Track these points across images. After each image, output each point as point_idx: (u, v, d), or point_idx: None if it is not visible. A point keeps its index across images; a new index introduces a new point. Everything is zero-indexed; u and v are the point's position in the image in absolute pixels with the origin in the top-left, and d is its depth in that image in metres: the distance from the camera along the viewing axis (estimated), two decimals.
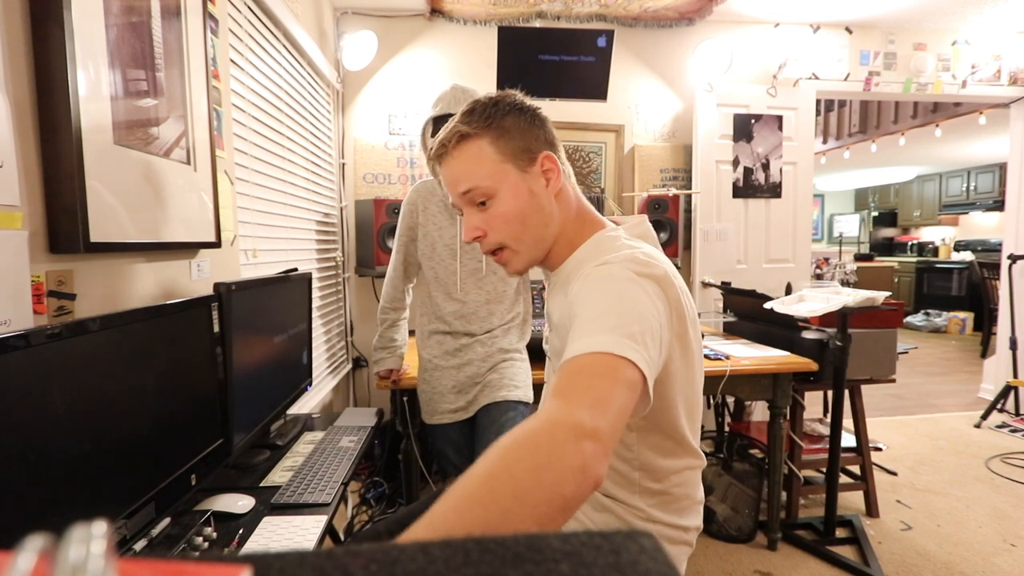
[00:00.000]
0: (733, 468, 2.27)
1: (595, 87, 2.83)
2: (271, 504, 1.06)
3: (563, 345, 0.66)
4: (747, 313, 2.50)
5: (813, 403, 3.25)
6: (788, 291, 2.53)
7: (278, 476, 1.20)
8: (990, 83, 3.33)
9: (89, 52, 0.86)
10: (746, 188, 3.08)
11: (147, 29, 1.05)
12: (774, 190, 3.11)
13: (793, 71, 3.12)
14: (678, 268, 2.83)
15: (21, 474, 0.63)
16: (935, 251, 7.79)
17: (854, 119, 5.17)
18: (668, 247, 2.76)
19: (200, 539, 0.92)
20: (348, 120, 2.86)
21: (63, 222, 0.82)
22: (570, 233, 0.84)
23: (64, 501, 0.69)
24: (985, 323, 5.21)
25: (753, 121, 3.05)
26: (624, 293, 0.66)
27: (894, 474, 2.65)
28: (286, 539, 0.95)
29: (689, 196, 3.03)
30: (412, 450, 1.86)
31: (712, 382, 1.91)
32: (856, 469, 2.32)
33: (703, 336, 2.37)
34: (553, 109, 2.95)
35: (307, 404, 1.98)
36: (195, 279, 1.26)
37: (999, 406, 3.40)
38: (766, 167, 3.09)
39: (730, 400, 2.81)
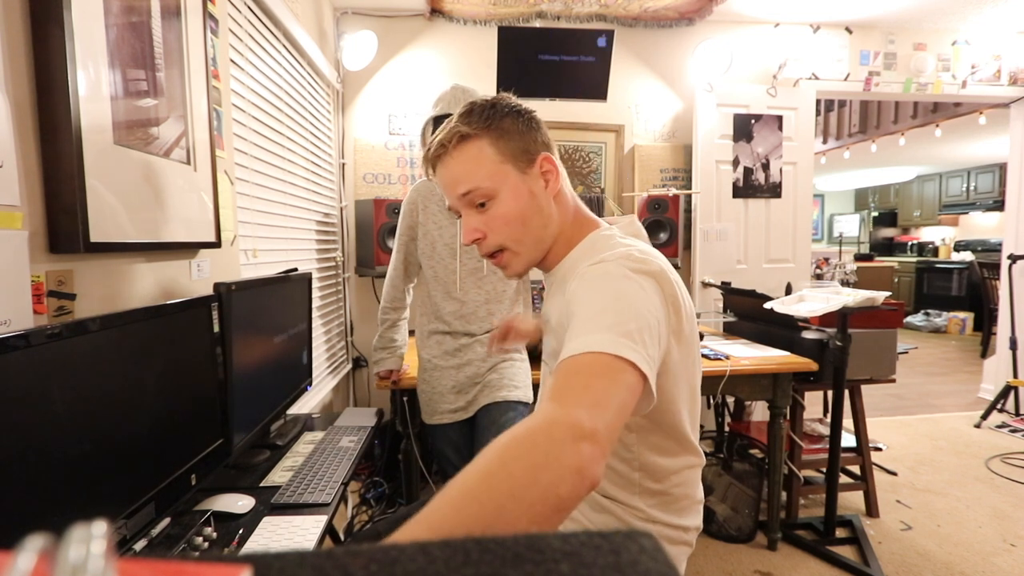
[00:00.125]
0: (733, 468, 2.27)
1: (595, 87, 2.83)
2: (271, 504, 1.06)
3: (560, 347, 0.66)
4: (747, 313, 2.50)
5: (813, 403, 3.25)
6: (788, 291, 2.53)
7: (278, 476, 1.20)
8: (990, 83, 3.33)
9: (89, 52, 0.86)
10: (746, 188, 3.08)
11: (147, 29, 1.05)
12: (774, 190, 3.11)
13: (793, 71, 3.12)
14: (678, 268, 2.83)
15: (21, 474, 0.63)
16: (935, 251, 7.79)
17: (854, 119, 5.17)
18: (668, 247, 2.76)
19: (200, 539, 0.92)
20: (348, 120, 2.86)
21: (63, 222, 0.82)
22: (567, 233, 0.84)
23: (64, 501, 0.69)
24: (985, 323, 5.22)
25: (753, 121, 3.05)
26: (620, 291, 0.66)
27: (894, 474, 2.65)
28: (286, 539, 0.95)
29: (689, 196, 3.03)
30: (412, 450, 1.86)
31: (712, 382, 1.91)
32: (856, 469, 2.32)
33: (703, 336, 2.38)
34: (553, 109, 2.95)
35: (307, 404, 1.98)
36: (195, 279, 1.26)
37: (999, 406, 3.40)
38: (766, 167, 3.09)
39: (730, 400, 2.81)
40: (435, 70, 2.92)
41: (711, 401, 2.91)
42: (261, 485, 1.16)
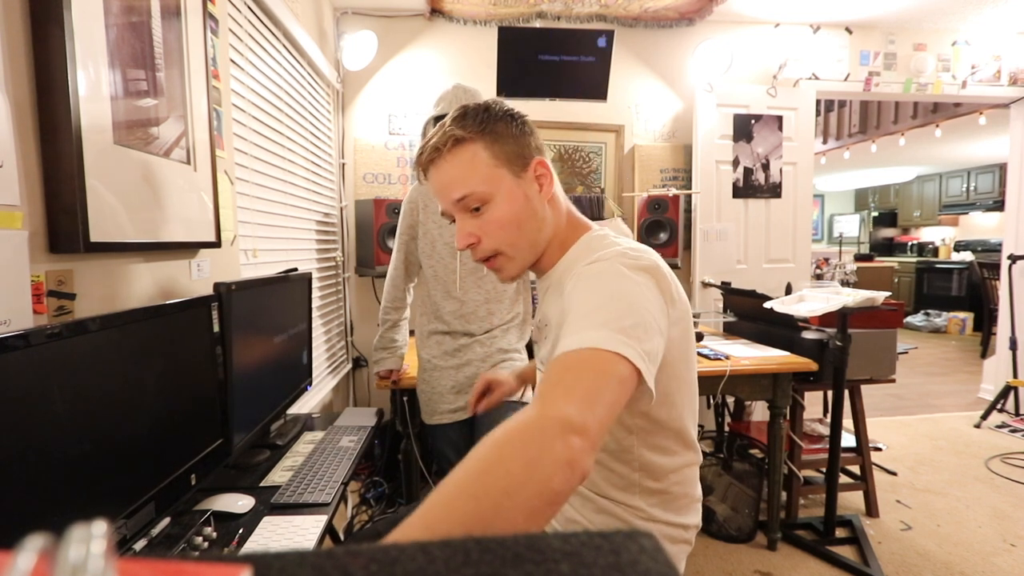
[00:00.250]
0: (733, 468, 2.27)
1: (595, 87, 2.83)
2: (271, 504, 1.06)
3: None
4: (747, 313, 2.50)
5: (813, 403, 3.25)
6: (788, 291, 2.53)
7: (278, 476, 1.20)
8: (990, 83, 3.33)
9: (89, 52, 0.86)
10: (746, 188, 3.08)
11: (147, 29, 1.05)
12: (774, 190, 3.11)
13: (793, 71, 3.12)
14: (678, 268, 2.84)
15: (21, 474, 0.63)
16: (935, 251, 7.79)
17: (854, 119, 5.17)
18: (668, 247, 2.76)
19: (200, 539, 0.92)
20: (348, 120, 2.86)
21: (63, 222, 0.82)
22: (561, 236, 0.85)
23: (64, 501, 0.69)
24: (985, 323, 5.21)
25: (753, 121, 3.05)
26: (617, 288, 0.67)
27: (894, 474, 2.65)
28: (286, 539, 0.95)
29: (689, 196, 3.03)
30: (412, 450, 1.86)
31: (712, 382, 1.91)
32: (856, 469, 2.32)
33: (703, 337, 2.38)
34: (553, 109, 2.96)
35: (307, 404, 1.98)
36: (195, 279, 1.26)
37: (999, 406, 3.40)
38: (766, 167, 3.09)
39: (730, 400, 2.81)
40: (435, 70, 2.92)
41: (711, 401, 2.91)
42: (261, 485, 1.16)
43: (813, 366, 1.97)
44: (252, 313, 1.22)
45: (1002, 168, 6.50)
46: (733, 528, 2.10)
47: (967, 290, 6.77)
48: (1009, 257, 3.54)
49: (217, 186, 1.29)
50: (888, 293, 1.96)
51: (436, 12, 2.87)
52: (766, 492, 2.13)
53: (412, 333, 1.80)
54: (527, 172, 0.80)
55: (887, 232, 8.83)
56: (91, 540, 0.17)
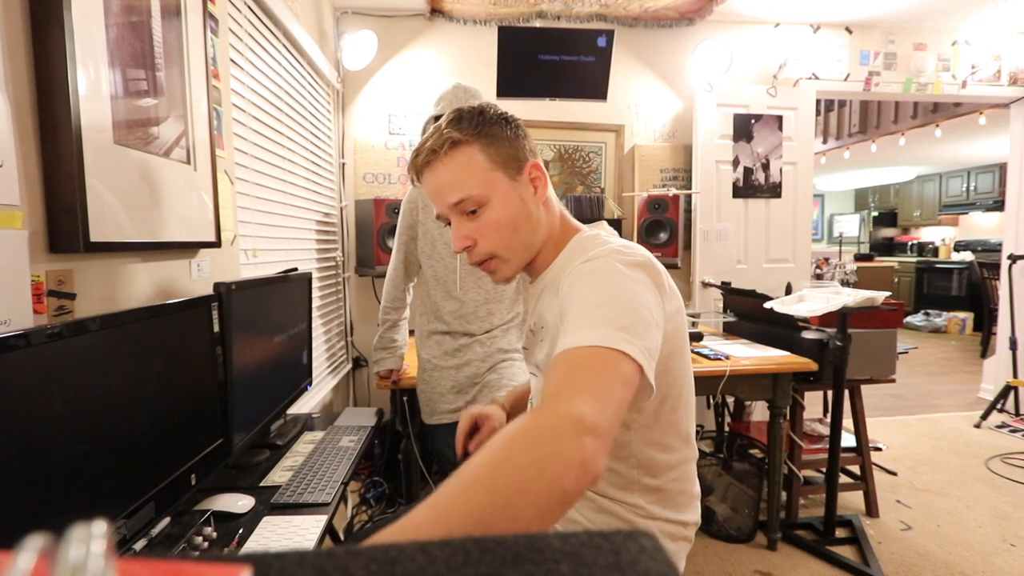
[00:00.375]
0: (733, 468, 2.27)
1: (595, 87, 2.83)
2: (271, 504, 1.06)
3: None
4: (747, 313, 2.50)
5: (813, 403, 3.25)
6: (788, 291, 2.53)
7: (278, 476, 1.20)
8: (990, 83, 3.33)
9: (89, 52, 0.86)
10: (746, 188, 3.08)
11: (147, 29, 1.05)
12: (774, 190, 3.11)
13: (793, 71, 3.12)
14: (678, 268, 2.84)
15: (21, 474, 0.63)
16: (935, 251, 7.79)
17: (854, 119, 5.17)
18: (668, 247, 2.76)
19: (200, 539, 0.92)
20: (348, 120, 2.86)
21: (63, 222, 0.82)
22: (555, 238, 0.85)
23: (64, 501, 0.69)
24: (985, 323, 5.22)
25: (753, 121, 3.05)
26: (614, 286, 0.67)
27: (894, 474, 2.65)
28: (286, 539, 0.95)
29: (689, 196, 3.03)
30: (412, 450, 1.86)
31: (712, 382, 1.91)
32: (856, 469, 2.32)
33: (703, 336, 2.38)
34: (553, 109, 2.96)
35: (307, 404, 1.98)
36: (195, 279, 1.26)
37: (999, 406, 3.40)
38: (766, 167, 3.09)
39: (730, 400, 2.81)
40: (435, 70, 2.92)
41: (711, 401, 2.91)
42: (261, 485, 1.16)
43: (813, 366, 1.97)
44: (252, 313, 1.22)
45: (1002, 168, 6.50)
46: (733, 528, 2.10)
47: (967, 290, 6.77)
48: (1009, 257, 3.54)
49: (217, 186, 1.29)
50: (888, 293, 1.96)
51: (436, 12, 2.87)
52: (766, 492, 2.13)
53: (412, 333, 1.80)
54: (522, 175, 0.80)
55: (887, 232, 8.83)
56: (91, 540, 0.17)
